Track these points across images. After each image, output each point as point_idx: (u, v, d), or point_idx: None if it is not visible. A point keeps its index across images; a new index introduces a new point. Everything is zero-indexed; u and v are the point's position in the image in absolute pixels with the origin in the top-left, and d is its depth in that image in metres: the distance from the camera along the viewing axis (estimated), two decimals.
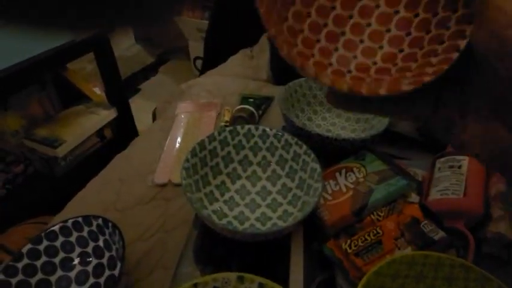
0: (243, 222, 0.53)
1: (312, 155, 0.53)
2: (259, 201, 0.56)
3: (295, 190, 0.55)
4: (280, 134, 0.56)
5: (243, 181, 0.57)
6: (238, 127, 0.56)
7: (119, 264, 0.49)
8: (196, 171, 0.52)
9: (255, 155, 0.58)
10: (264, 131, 0.57)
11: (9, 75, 1.00)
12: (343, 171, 0.56)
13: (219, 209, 0.53)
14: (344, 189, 0.53)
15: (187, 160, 0.50)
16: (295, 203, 0.54)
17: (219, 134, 0.55)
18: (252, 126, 0.57)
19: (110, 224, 0.47)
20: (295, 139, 0.55)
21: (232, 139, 0.56)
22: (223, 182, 0.56)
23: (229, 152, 0.57)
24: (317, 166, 0.51)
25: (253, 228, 0.52)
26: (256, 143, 0.57)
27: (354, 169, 0.56)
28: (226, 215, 0.53)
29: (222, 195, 0.55)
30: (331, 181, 0.55)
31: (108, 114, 1.35)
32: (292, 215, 0.53)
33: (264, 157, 0.58)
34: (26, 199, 1.18)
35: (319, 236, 0.51)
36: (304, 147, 0.54)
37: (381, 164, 0.55)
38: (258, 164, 0.58)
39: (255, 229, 0.52)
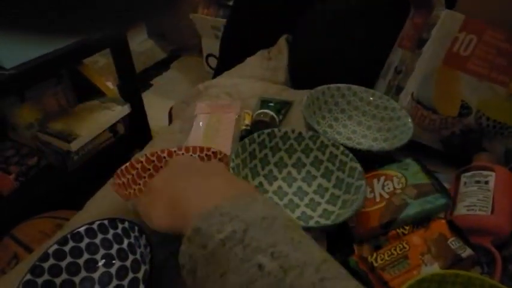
0: None
1: (350, 155, 0.54)
2: (297, 202, 0.56)
3: (333, 190, 0.56)
4: (316, 136, 0.58)
5: (279, 182, 0.58)
6: (276, 130, 0.57)
7: (142, 268, 0.49)
8: (239, 172, 0.53)
9: (290, 157, 0.59)
10: (300, 134, 0.59)
11: (27, 69, 1.00)
12: (382, 178, 0.55)
13: None
14: (378, 199, 0.53)
15: (232, 160, 0.52)
16: (334, 202, 0.55)
17: (258, 136, 0.57)
18: (289, 129, 0.58)
19: (136, 228, 0.47)
20: (332, 141, 0.56)
21: (270, 141, 0.58)
22: (260, 184, 0.57)
23: (266, 155, 0.58)
24: (357, 165, 0.53)
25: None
26: (291, 145, 0.59)
27: (394, 178, 0.55)
28: None
29: None
30: (366, 187, 0.55)
31: (121, 110, 1.35)
32: (333, 213, 0.53)
33: (298, 158, 0.59)
34: (39, 192, 1.18)
35: (342, 246, 0.51)
36: (341, 148, 0.55)
37: (423, 177, 0.53)
38: (293, 165, 0.59)
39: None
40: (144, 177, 0.60)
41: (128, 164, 0.58)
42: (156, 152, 0.62)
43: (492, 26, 0.60)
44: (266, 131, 0.57)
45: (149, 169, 0.61)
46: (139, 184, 0.59)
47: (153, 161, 0.62)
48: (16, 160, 1.20)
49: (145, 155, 0.61)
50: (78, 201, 0.70)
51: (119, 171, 0.55)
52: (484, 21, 0.60)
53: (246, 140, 0.55)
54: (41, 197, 1.17)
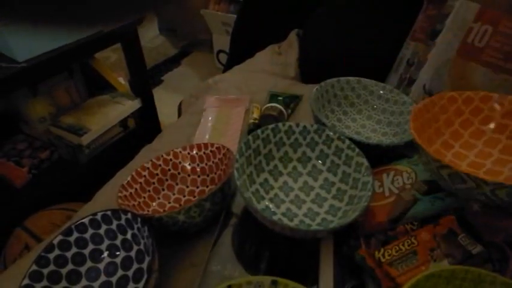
0: (291, 218, 0.53)
1: (356, 150, 0.53)
2: (304, 197, 0.56)
3: (339, 184, 0.55)
4: (321, 129, 0.56)
5: (284, 178, 0.57)
6: (280, 124, 0.57)
7: (147, 258, 0.49)
8: (244, 171, 0.53)
9: (295, 151, 0.58)
10: (304, 127, 0.58)
11: (39, 63, 1.01)
12: (392, 173, 0.54)
13: (266, 207, 0.53)
14: (387, 193, 0.51)
15: (236, 160, 0.51)
16: (341, 197, 0.54)
17: (262, 132, 0.56)
18: (293, 124, 0.57)
19: (138, 219, 0.47)
20: (338, 134, 0.55)
21: (274, 136, 0.57)
22: (266, 180, 0.56)
23: (270, 150, 0.57)
24: (363, 160, 0.52)
25: (303, 224, 0.52)
26: (296, 139, 0.58)
27: (404, 174, 0.53)
28: (275, 213, 0.53)
29: (267, 193, 0.55)
30: (376, 182, 0.54)
31: (132, 105, 1.36)
32: (340, 210, 0.53)
33: (303, 153, 0.58)
34: (51, 184, 1.20)
35: (349, 240, 0.50)
36: (347, 142, 0.54)
37: None
38: (298, 159, 0.58)
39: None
40: (153, 183, 0.60)
41: (133, 173, 0.59)
42: (162, 156, 0.62)
43: (508, 16, 0.58)
44: (270, 126, 0.56)
45: (157, 174, 0.61)
46: (149, 191, 0.60)
47: (160, 165, 0.62)
48: (29, 153, 1.22)
49: (151, 160, 0.61)
50: (89, 194, 0.70)
51: (125, 183, 0.56)
52: (500, 11, 0.58)
53: (250, 137, 0.54)
54: (53, 190, 1.19)
